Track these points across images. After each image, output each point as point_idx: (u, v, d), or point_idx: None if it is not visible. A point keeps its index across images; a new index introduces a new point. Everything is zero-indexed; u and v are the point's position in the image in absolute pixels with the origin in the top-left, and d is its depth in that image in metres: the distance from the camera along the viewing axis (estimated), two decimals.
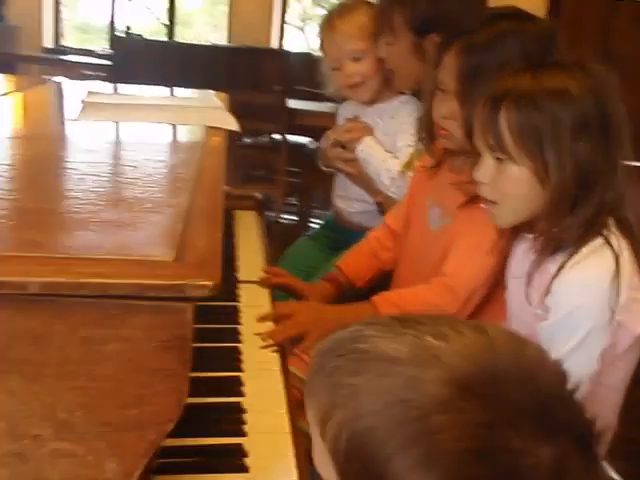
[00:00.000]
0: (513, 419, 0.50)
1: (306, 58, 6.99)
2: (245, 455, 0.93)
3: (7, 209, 0.77)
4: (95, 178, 0.93)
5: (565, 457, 0.50)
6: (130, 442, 0.63)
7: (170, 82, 2.41)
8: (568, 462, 0.51)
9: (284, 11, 8.31)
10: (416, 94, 1.77)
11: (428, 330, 0.55)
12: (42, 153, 1.12)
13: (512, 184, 1.08)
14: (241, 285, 1.45)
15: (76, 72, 7.12)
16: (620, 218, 1.11)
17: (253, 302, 1.38)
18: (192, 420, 0.97)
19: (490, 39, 1.25)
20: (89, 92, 1.73)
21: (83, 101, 1.57)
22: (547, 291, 1.09)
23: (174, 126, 1.41)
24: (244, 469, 0.90)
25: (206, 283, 0.60)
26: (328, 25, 1.87)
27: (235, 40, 7.85)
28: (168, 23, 8.46)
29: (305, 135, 4.73)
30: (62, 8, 8.88)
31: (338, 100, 2.05)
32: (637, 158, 1.15)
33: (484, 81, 1.16)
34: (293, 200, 4.83)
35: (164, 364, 0.62)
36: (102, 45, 9.13)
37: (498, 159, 1.09)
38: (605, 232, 1.08)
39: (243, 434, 0.98)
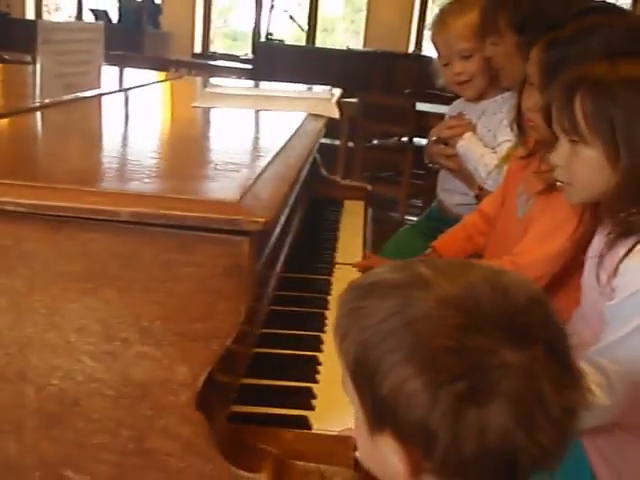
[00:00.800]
0: (483, 325, 0.59)
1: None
2: (314, 397, 1.05)
3: (132, 164, 0.94)
4: (199, 146, 1.10)
5: (535, 363, 0.59)
6: (197, 351, 0.76)
7: (307, 84, 2.55)
8: (539, 368, 0.59)
9: (423, 16, 8.38)
10: None
11: (424, 264, 0.66)
12: (168, 129, 1.34)
13: (583, 165, 1.13)
14: (337, 265, 1.58)
15: (220, 75, 7.55)
16: None
17: (344, 278, 1.50)
18: (275, 366, 1.12)
19: (574, 33, 1.29)
20: (211, 84, 1.92)
21: (203, 91, 1.75)
22: (615, 272, 1.12)
23: (278, 112, 1.56)
24: (311, 407, 1.02)
25: (259, 220, 0.72)
26: (440, 23, 1.94)
27: (372, 45, 8.01)
28: (307, 29, 8.77)
29: None
30: (212, 17, 9.45)
31: (437, 85, 2.11)
32: None
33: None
34: (418, 202, 4.84)
35: (225, 288, 0.75)
36: (247, 51, 9.61)
37: (572, 142, 1.14)
38: None
39: (315, 381, 1.10)
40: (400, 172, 4.60)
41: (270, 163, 0.96)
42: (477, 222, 1.70)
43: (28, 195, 0.74)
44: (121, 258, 0.75)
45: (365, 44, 8.54)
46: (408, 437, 0.62)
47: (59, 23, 1.54)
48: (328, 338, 1.25)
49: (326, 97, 1.83)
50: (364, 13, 9.90)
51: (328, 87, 2.18)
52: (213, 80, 1.99)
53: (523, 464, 0.60)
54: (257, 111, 1.51)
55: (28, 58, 4.13)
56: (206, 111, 1.46)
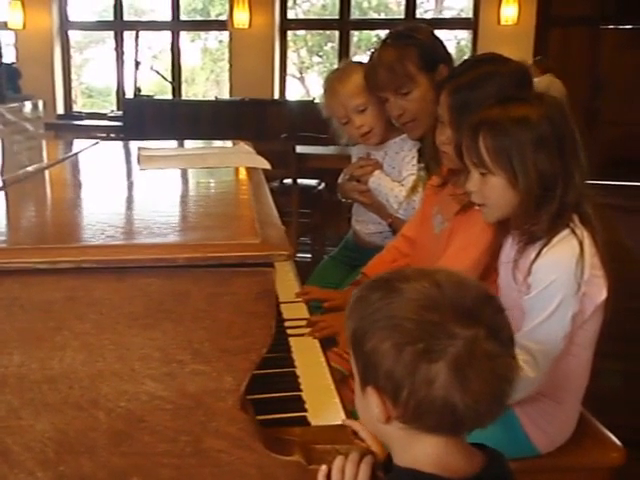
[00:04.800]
0: (440, 307, 0.84)
1: (307, 105, 7.43)
2: (304, 402, 1.25)
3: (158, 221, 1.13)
4: (195, 202, 1.32)
5: (477, 339, 0.83)
6: (239, 362, 0.96)
7: (180, 137, 2.72)
8: (479, 342, 0.83)
9: (284, 63, 8.80)
10: None
11: (411, 268, 0.90)
12: (154, 189, 1.51)
13: (492, 190, 1.41)
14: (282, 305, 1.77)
15: (87, 134, 7.56)
16: (582, 213, 1.42)
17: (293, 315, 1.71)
18: (266, 384, 1.30)
19: (472, 80, 1.59)
20: (139, 147, 2.09)
21: (139, 155, 1.93)
22: (528, 272, 1.40)
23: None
24: (305, 410, 1.22)
25: (284, 253, 0.94)
26: (331, 90, 2.22)
27: (238, 94, 8.29)
28: (171, 81, 8.93)
29: (312, 177, 5.03)
30: (72, 77, 9.43)
31: (342, 144, 2.40)
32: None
33: (470, 113, 1.49)
34: (307, 240, 5.07)
35: (258, 308, 0.96)
36: (106, 107, 9.62)
37: (481, 173, 1.42)
38: (571, 225, 1.39)
39: (300, 390, 1.30)
40: (286, 213, 4.83)
41: (252, 210, 1.18)
42: (399, 246, 1.97)
43: (95, 253, 0.91)
44: (174, 296, 0.94)
45: (231, 93, 8.83)
46: (382, 389, 0.87)
47: (15, 105, 1.67)
48: (296, 356, 1.46)
49: (250, 150, 2.05)
50: (223, 63, 10.22)
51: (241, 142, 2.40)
52: (141, 143, 2.15)
53: (461, 414, 0.84)
54: (209, 168, 1.71)
55: None
56: (161, 172, 1.64)
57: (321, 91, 2.30)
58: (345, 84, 2.18)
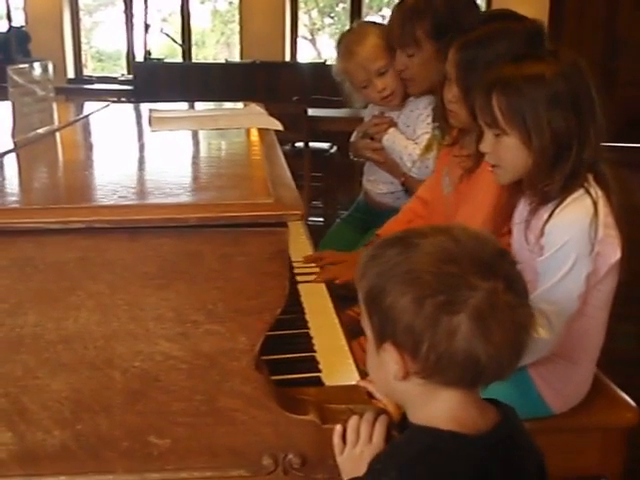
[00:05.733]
0: (458, 260, 0.84)
1: (318, 68, 7.36)
2: (318, 362, 1.26)
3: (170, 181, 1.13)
4: (205, 163, 1.31)
5: (496, 291, 0.83)
6: (253, 322, 0.96)
7: (190, 101, 2.70)
8: (498, 294, 0.83)
9: (295, 25, 8.67)
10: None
11: (425, 225, 0.90)
12: (164, 150, 1.51)
13: (506, 151, 1.39)
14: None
15: (98, 98, 7.53)
16: (597, 173, 1.40)
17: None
18: (280, 345, 1.31)
19: (481, 37, 1.56)
20: (151, 109, 2.07)
21: (150, 116, 1.91)
22: (541, 233, 1.38)
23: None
24: (319, 370, 1.23)
25: (297, 212, 0.93)
26: (349, 53, 2.18)
27: (249, 56, 8.21)
28: (182, 43, 8.85)
29: (324, 141, 4.99)
30: (82, 40, 9.36)
31: (355, 107, 2.37)
32: None
33: (478, 71, 1.46)
34: (318, 204, 5.05)
35: (272, 268, 0.95)
36: (116, 71, 9.57)
37: (495, 134, 1.40)
38: (586, 184, 1.38)
39: (314, 351, 1.30)
40: (298, 176, 4.81)
41: (263, 170, 1.17)
42: (415, 208, 1.96)
43: (107, 213, 0.91)
44: (187, 256, 0.94)
45: (242, 56, 8.74)
46: (401, 344, 0.86)
47: (24, 67, 1.66)
48: (310, 318, 1.46)
49: (262, 112, 2.03)
50: (234, 25, 10.09)
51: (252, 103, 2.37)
52: (153, 105, 2.14)
53: (484, 365, 0.84)
54: (220, 130, 1.70)
55: None
56: (173, 134, 1.63)
57: (333, 53, 2.26)
58: (364, 46, 2.13)
